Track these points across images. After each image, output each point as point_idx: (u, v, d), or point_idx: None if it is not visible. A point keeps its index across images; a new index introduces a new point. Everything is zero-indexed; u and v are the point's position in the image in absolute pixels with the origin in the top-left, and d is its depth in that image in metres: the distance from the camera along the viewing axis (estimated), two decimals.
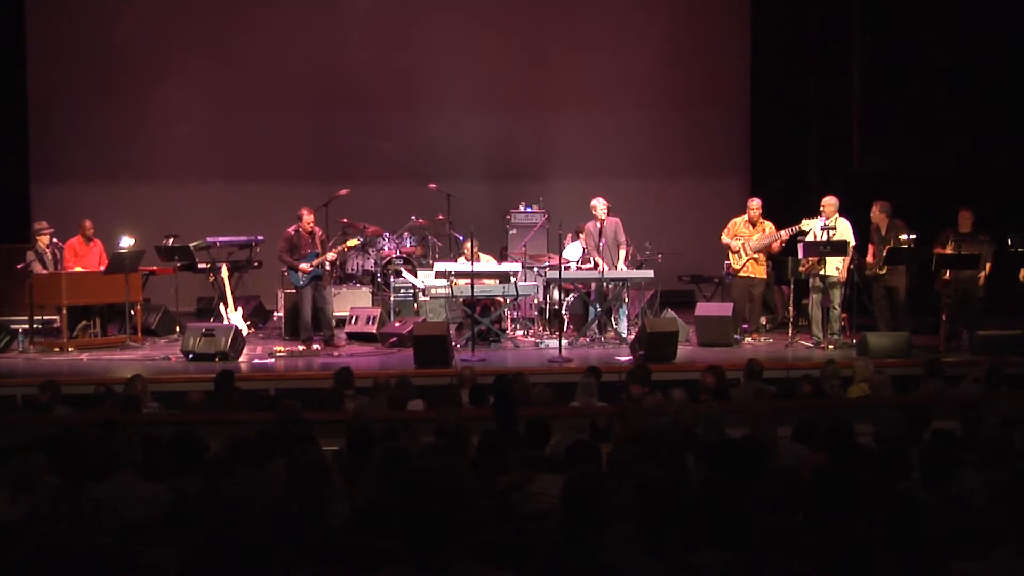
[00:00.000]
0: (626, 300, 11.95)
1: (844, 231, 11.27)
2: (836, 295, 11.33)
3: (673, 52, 16.01)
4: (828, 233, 11.20)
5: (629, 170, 15.57)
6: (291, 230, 11.70)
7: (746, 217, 11.91)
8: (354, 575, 3.65)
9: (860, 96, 15.11)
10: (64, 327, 11.43)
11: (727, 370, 8.79)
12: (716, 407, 6.51)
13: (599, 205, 11.89)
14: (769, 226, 11.87)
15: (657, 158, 15.94)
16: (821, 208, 11.38)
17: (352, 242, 12.23)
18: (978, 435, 5.94)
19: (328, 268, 11.96)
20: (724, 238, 11.98)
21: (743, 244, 11.81)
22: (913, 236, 11.43)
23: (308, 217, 11.66)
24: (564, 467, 4.92)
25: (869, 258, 11.69)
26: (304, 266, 11.47)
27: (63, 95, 15.04)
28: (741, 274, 11.88)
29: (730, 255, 11.97)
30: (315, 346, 11.35)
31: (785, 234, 11.71)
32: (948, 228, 11.56)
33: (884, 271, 11.57)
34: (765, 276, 12.04)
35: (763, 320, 12.36)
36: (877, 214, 11.62)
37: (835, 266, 11.27)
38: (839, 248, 11.16)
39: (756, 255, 11.80)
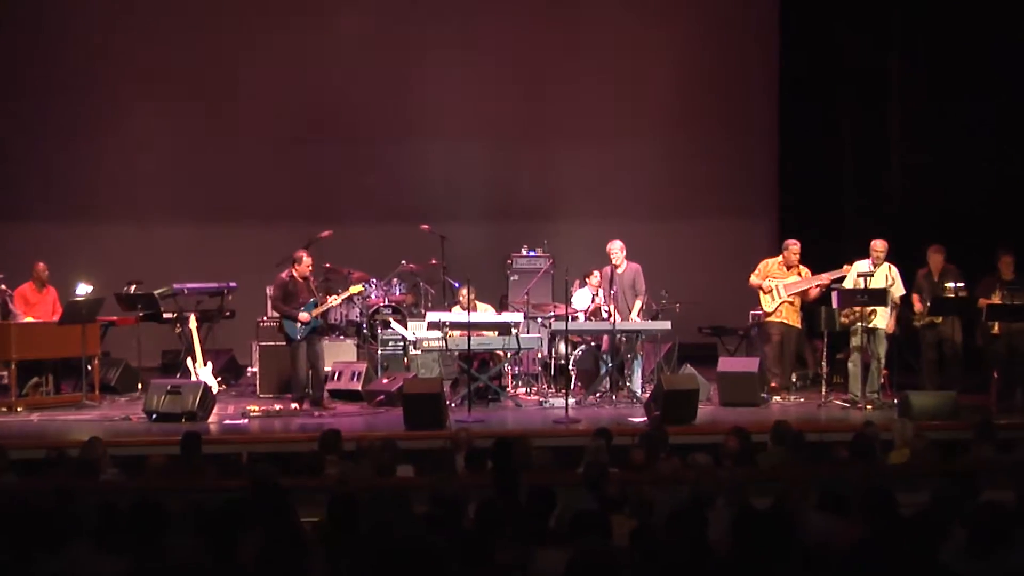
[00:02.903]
0: (640, 354, 11.97)
1: (890, 278, 11.25)
2: (882, 350, 11.32)
3: (692, 79, 16.08)
4: (866, 280, 11.22)
5: (643, 210, 15.62)
6: (285, 275, 11.57)
7: (781, 259, 11.90)
8: None
9: (900, 130, 15.11)
10: (12, 384, 11.41)
11: (753, 432, 8.79)
12: (740, 474, 6.51)
13: (615, 249, 11.96)
14: (805, 271, 11.87)
15: (674, 196, 15.98)
16: (873, 253, 11.35)
17: (356, 288, 12.11)
18: None
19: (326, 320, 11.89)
20: (754, 279, 11.92)
21: (777, 285, 11.81)
22: (960, 284, 11.46)
23: (307, 260, 11.55)
24: (570, 539, 4.94)
25: (917, 306, 11.68)
26: (303, 316, 11.34)
27: (15, 127, 15.12)
28: (774, 318, 11.82)
29: (761, 296, 11.91)
30: (293, 405, 11.35)
31: (826, 278, 11.68)
32: (989, 275, 11.55)
33: (940, 320, 11.57)
34: (800, 325, 12.01)
35: (793, 377, 12.35)
36: (934, 257, 11.68)
37: (884, 317, 11.28)
38: (877, 297, 11.18)
39: (791, 299, 11.81)
